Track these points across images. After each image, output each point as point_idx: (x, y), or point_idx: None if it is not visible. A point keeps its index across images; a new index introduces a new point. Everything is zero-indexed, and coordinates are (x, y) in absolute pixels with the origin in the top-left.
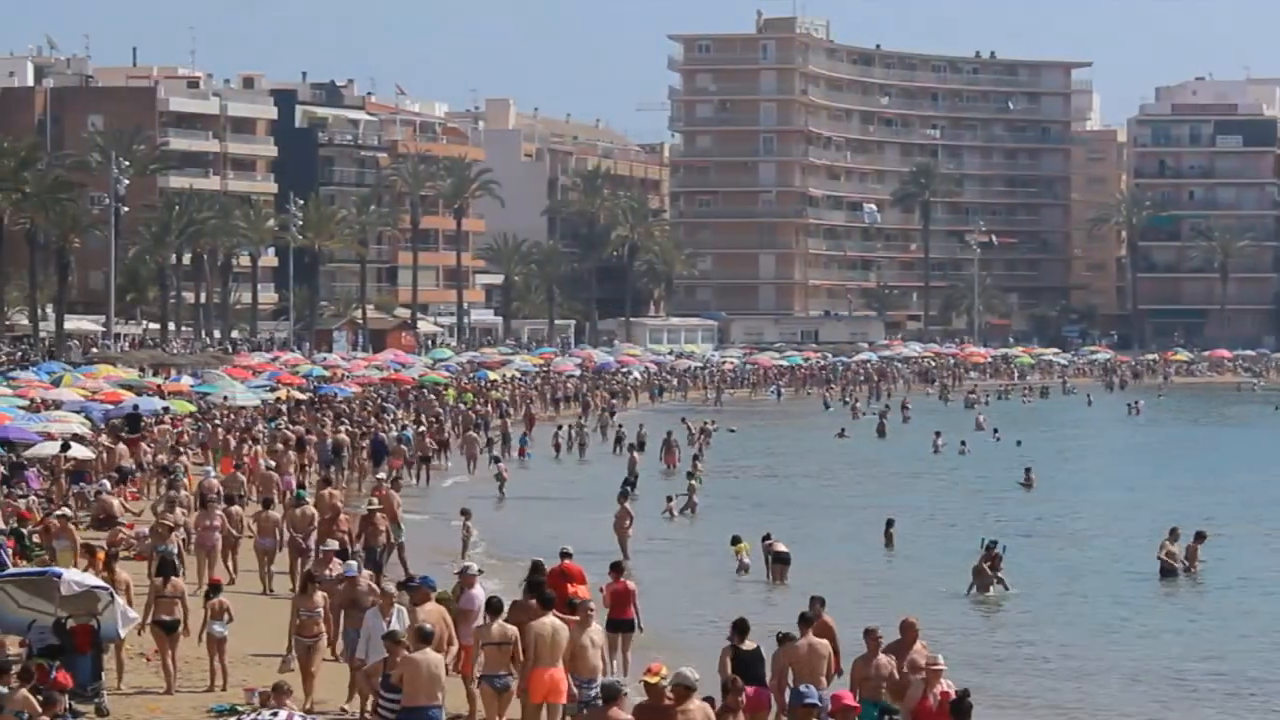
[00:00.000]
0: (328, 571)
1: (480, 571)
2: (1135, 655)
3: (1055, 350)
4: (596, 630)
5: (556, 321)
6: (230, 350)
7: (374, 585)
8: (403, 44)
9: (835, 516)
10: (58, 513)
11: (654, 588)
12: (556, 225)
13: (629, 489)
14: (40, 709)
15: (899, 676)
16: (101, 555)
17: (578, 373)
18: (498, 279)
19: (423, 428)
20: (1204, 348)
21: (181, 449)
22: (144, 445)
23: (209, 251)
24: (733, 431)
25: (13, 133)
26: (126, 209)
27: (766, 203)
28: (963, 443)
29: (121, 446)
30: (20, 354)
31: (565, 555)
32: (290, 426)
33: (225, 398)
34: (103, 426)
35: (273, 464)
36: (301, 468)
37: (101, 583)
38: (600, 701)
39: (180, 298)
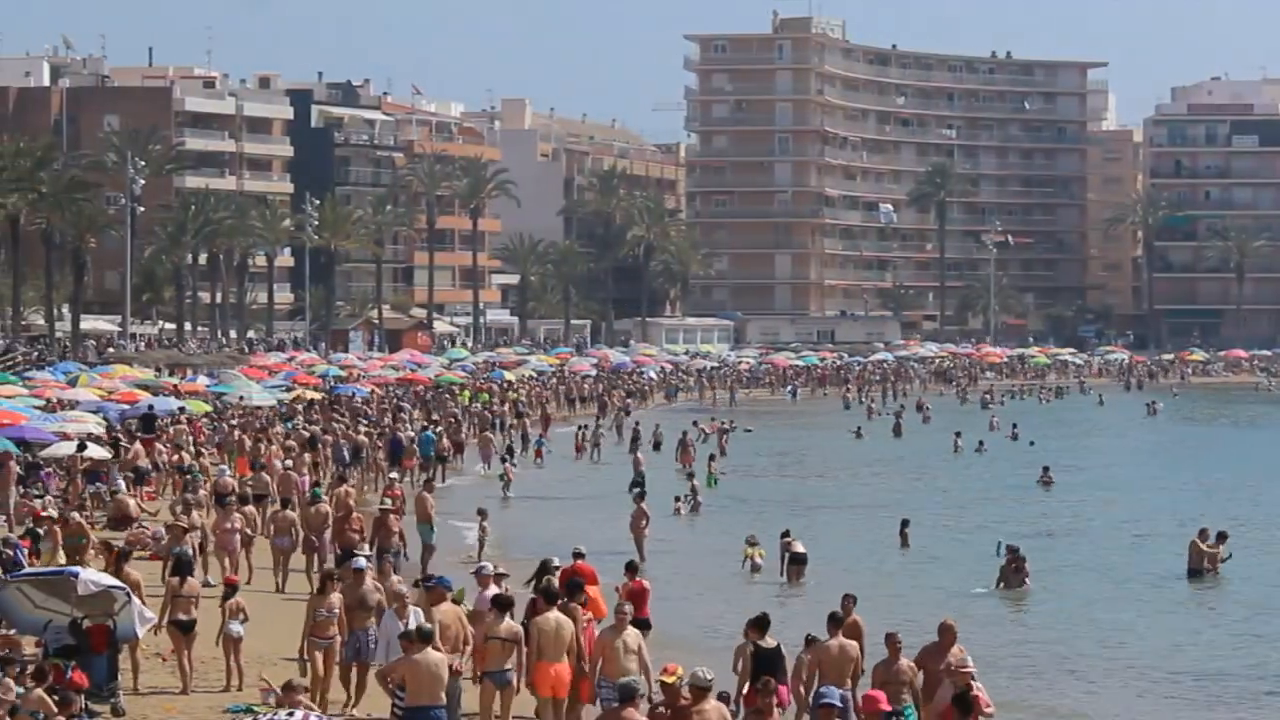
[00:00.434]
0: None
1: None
2: (1163, 655)
3: (1072, 350)
4: (632, 635)
5: (572, 321)
6: (246, 350)
7: (379, 585)
8: (419, 44)
9: (850, 517)
10: (42, 513)
11: (669, 588)
12: (572, 225)
13: (639, 490)
14: (56, 709)
15: (935, 679)
16: (113, 554)
17: (594, 373)
18: (514, 279)
19: (439, 428)
20: (1220, 348)
21: (201, 450)
22: (159, 445)
23: (225, 251)
24: (749, 431)
25: (29, 133)
26: (142, 209)
27: (782, 203)
28: (980, 443)
29: (137, 446)
30: (36, 354)
31: (578, 555)
32: (307, 426)
33: (241, 398)
34: (118, 427)
35: (290, 463)
36: (314, 466)
37: (118, 583)
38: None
39: (196, 298)
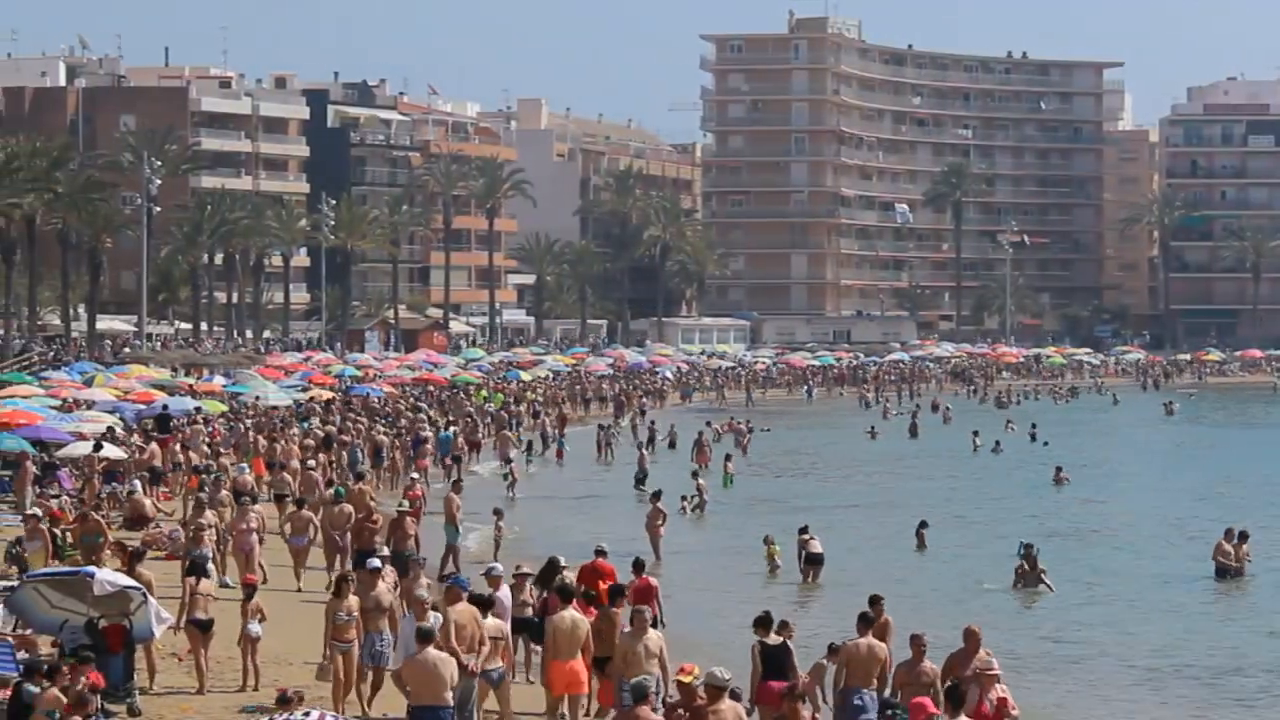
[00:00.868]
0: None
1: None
2: (1192, 651)
3: (1088, 350)
4: (653, 638)
5: (589, 321)
6: (262, 350)
7: (393, 587)
8: (435, 44)
9: (866, 517)
10: (28, 512)
11: (685, 588)
12: (589, 225)
13: (641, 487)
14: (71, 709)
15: (960, 684)
16: (127, 554)
17: (610, 373)
18: (530, 279)
19: (456, 428)
20: (1236, 347)
21: (219, 450)
22: (174, 445)
23: (241, 251)
24: (766, 431)
25: (45, 133)
26: (158, 209)
27: (798, 203)
28: (997, 443)
29: (153, 446)
30: (53, 354)
31: (600, 553)
32: (322, 427)
33: (257, 398)
34: (134, 426)
35: (311, 463)
36: (329, 465)
37: (134, 583)
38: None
39: (212, 298)
